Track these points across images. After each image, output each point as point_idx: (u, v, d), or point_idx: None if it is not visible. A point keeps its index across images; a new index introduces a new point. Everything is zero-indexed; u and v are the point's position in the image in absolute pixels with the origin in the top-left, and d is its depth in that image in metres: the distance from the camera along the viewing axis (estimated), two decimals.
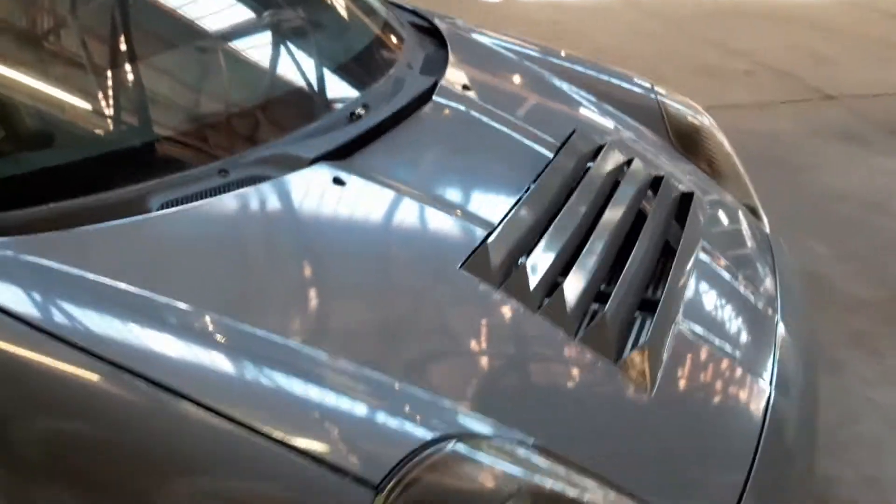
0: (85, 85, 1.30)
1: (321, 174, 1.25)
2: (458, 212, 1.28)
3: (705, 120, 1.90)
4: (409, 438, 0.84)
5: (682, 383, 1.17)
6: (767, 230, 1.77)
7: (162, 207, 1.10)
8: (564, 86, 1.90)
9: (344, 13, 1.99)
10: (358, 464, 0.80)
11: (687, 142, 1.85)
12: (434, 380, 1.00)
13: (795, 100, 4.41)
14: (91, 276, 0.95)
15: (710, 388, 1.22)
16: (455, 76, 1.70)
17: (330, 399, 0.89)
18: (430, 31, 2.00)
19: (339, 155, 1.31)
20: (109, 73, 1.33)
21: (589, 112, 1.84)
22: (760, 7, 6.54)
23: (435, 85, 1.61)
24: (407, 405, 0.91)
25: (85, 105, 1.30)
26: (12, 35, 1.31)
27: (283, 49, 1.74)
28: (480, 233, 1.22)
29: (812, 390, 1.41)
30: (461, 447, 0.84)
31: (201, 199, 1.13)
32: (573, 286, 1.16)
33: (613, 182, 1.48)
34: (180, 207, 1.11)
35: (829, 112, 4.24)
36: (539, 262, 1.19)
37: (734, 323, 1.38)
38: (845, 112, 4.22)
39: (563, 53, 2.08)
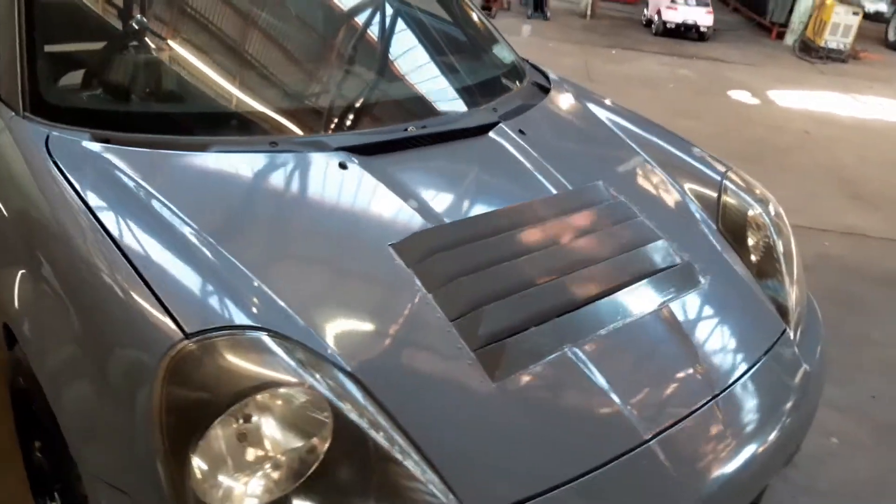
0: (208, 61, 1.81)
1: (334, 158, 1.59)
2: (416, 206, 1.51)
3: (765, 217, 1.86)
4: (236, 317, 1.13)
5: (532, 390, 1.26)
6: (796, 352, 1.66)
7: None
8: (630, 152, 2.01)
9: (478, 51, 2.34)
10: (188, 315, 1.10)
11: (737, 231, 1.83)
12: (298, 298, 1.24)
13: None
14: (144, 182, 1.38)
15: (558, 401, 1.29)
16: (520, 122, 1.93)
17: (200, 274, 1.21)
18: (545, 89, 2.25)
19: (366, 151, 1.63)
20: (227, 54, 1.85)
21: (633, 175, 1.92)
22: None
23: (494, 124, 1.86)
24: (257, 298, 1.19)
25: (200, 75, 1.81)
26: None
27: (401, 57, 2.14)
28: (422, 225, 1.46)
29: None
30: (263, 338, 1.10)
31: (242, 153, 1.54)
32: (475, 287, 1.34)
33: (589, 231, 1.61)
34: (221, 153, 1.53)
35: None
36: (453, 263, 1.39)
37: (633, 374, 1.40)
38: None
39: (656, 127, 2.19)
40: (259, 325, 1.13)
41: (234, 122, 1.67)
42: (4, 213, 1.44)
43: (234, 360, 1.08)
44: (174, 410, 1.02)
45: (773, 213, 1.90)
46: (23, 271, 1.34)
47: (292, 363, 1.10)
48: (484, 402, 1.21)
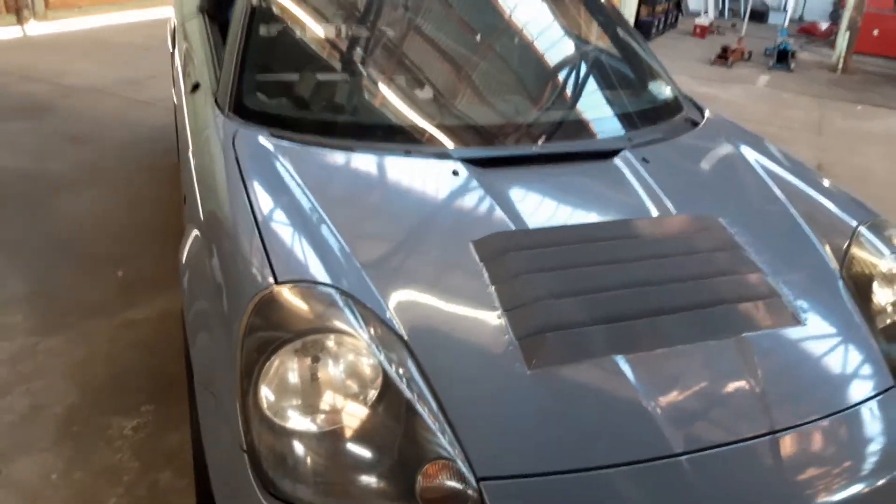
0: (365, 85, 2.15)
1: (449, 165, 1.81)
2: (509, 212, 1.67)
3: None
4: (318, 274, 1.38)
5: (564, 384, 1.34)
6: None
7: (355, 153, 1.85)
8: (764, 191, 1.96)
9: (630, 84, 2.43)
10: (282, 268, 1.38)
11: (863, 282, 1.72)
12: (376, 269, 1.47)
13: None
14: (290, 166, 1.73)
15: (587, 399, 1.34)
16: (647, 152, 2.00)
17: (306, 240, 1.49)
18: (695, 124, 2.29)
19: (483, 164, 1.84)
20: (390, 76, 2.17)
21: (756, 212, 1.90)
22: None
23: (618, 151, 1.96)
24: (344, 264, 1.44)
25: (358, 94, 2.15)
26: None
27: (546, 82, 2.31)
28: (505, 227, 1.61)
29: None
30: (333, 293, 1.34)
31: (375, 155, 1.84)
32: (537, 285, 1.46)
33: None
34: (357, 153, 1.83)
35: None
36: (523, 262, 1.52)
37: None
38: None
39: (807, 171, 2.10)
40: (332, 283, 1.37)
41: (378, 132, 1.97)
42: (196, 182, 1.87)
43: (303, 305, 1.33)
44: (251, 337, 1.29)
45: None
46: (195, 230, 1.73)
47: (351, 317, 1.32)
48: (514, 385, 1.33)
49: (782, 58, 8.52)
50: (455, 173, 1.80)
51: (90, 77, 5.97)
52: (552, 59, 2.47)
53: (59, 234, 3.36)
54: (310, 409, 1.25)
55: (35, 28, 7.58)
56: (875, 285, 1.71)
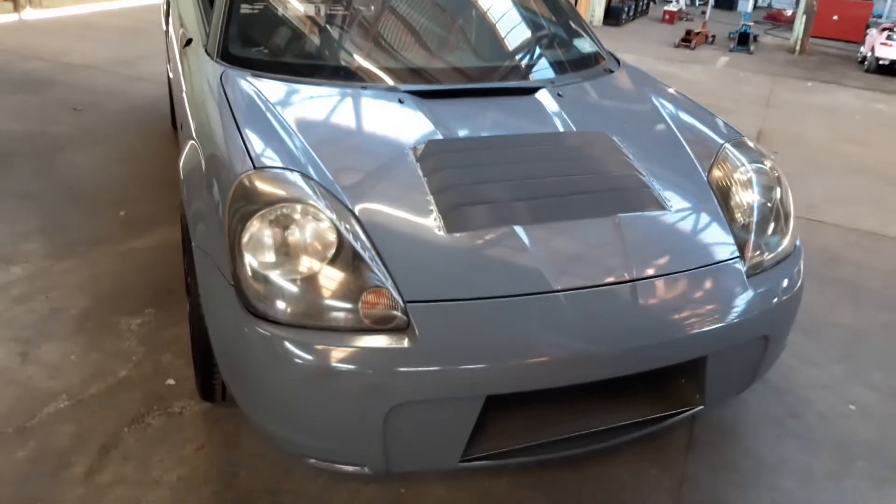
0: (332, 32, 2.59)
1: (397, 95, 2.25)
2: (443, 128, 2.13)
3: (752, 175, 2.16)
4: (287, 163, 1.82)
5: (473, 243, 1.78)
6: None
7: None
8: (654, 116, 2.42)
9: (557, 40, 2.89)
10: (259, 158, 1.81)
11: (723, 183, 2.16)
12: (334, 163, 1.89)
13: None
14: (266, 95, 2.16)
15: (490, 252, 1.78)
16: (562, 89, 2.45)
17: (278, 142, 1.93)
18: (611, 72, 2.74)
19: (425, 96, 2.27)
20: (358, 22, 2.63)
21: (643, 131, 2.36)
22: None
23: (538, 88, 2.41)
24: (307, 159, 1.87)
25: (325, 40, 2.59)
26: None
27: (484, 33, 2.78)
28: (438, 137, 2.06)
29: None
30: (298, 176, 1.77)
31: (339, 89, 2.27)
32: (459, 175, 1.91)
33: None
34: (322, 87, 2.27)
35: None
36: (449, 160, 1.96)
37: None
38: None
39: (699, 109, 2.56)
40: (298, 169, 1.81)
41: (340, 72, 2.41)
42: (189, 111, 2.30)
43: (273, 183, 1.76)
44: (234, 209, 1.71)
45: (764, 174, 2.19)
46: (189, 142, 2.16)
47: (312, 193, 1.75)
48: (436, 243, 1.76)
49: (743, 40, 9.00)
50: (401, 101, 2.24)
51: (85, 56, 6.36)
52: (493, 16, 2.92)
53: (65, 183, 3.77)
54: (281, 259, 1.67)
55: (31, 14, 7.95)
56: (733, 188, 2.15)
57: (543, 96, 2.40)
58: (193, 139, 2.13)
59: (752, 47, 8.99)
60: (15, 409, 2.17)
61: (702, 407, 1.97)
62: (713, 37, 9.43)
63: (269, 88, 2.23)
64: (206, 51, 2.50)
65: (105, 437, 2.09)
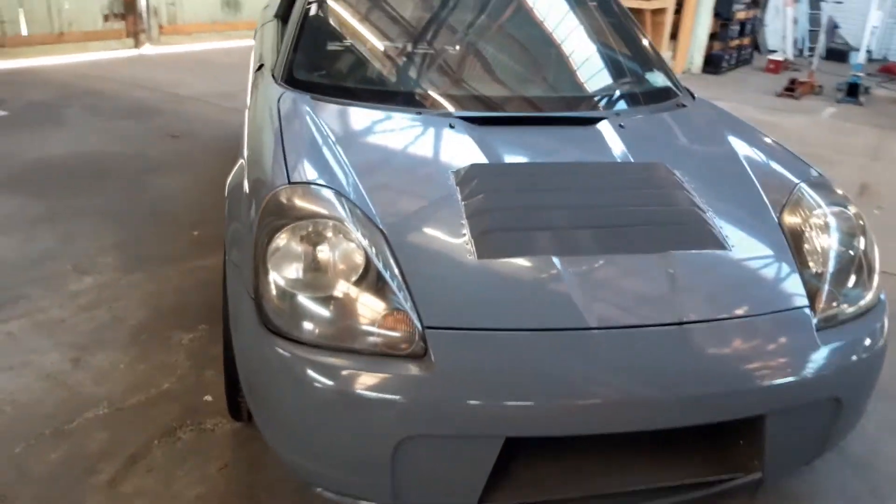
0: (391, 60, 2.59)
1: (449, 121, 2.20)
2: (490, 154, 2.05)
3: (829, 219, 1.95)
4: (322, 179, 1.79)
5: (505, 271, 1.67)
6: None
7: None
8: (725, 153, 2.25)
9: (626, 71, 2.78)
10: (295, 174, 1.80)
11: (795, 225, 1.97)
12: (372, 183, 1.85)
13: None
14: (317, 117, 2.17)
15: (522, 283, 1.67)
16: (626, 120, 2.33)
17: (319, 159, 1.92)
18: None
19: (478, 122, 2.22)
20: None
21: (709, 167, 2.21)
22: None
23: (601, 118, 2.31)
24: (346, 177, 1.85)
25: (384, 68, 2.60)
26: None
27: (553, 64, 2.71)
28: (483, 162, 1.99)
29: None
30: (330, 192, 1.74)
31: (391, 113, 2.26)
32: (498, 200, 1.82)
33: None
34: (373, 110, 2.26)
35: None
36: (490, 185, 1.88)
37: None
38: None
39: (776, 142, 2.37)
40: (332, 187, 1.78)
41: (398, 98, 2.40)
42: (246, 130, 2.34)
43: (304, 199, 1.73)
44: (264, 222, 1.69)
45: (846, 219, 1.98)
46: (239, 161, 2.19)
47: (342, 210, 1.71)
48: (464, 267, 1.68)
49: (852, 91, 8.49)
50: (452, 126, 2.19)
51: (192, 89, 6.75)
52: (560, 46, 2.86)
53: (150, 203, 3.95)
54: (305, 277, 1.63)
55: (149, 49, 8.56)
56: (807, 231, 1.96)
57: (604, 127, 2.29)
58: (243, 158, 2.16)
59: (861, 99, 8.47)
60: (57, 412, 2.22)
61: (759, 475, 1.76)
62: (820, 87, 8.95)
63: (324, 110, 2.24)
64: (272, 75, 2.56)
65: (135, 447, 2.10)
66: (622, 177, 2.05)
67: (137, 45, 8.55)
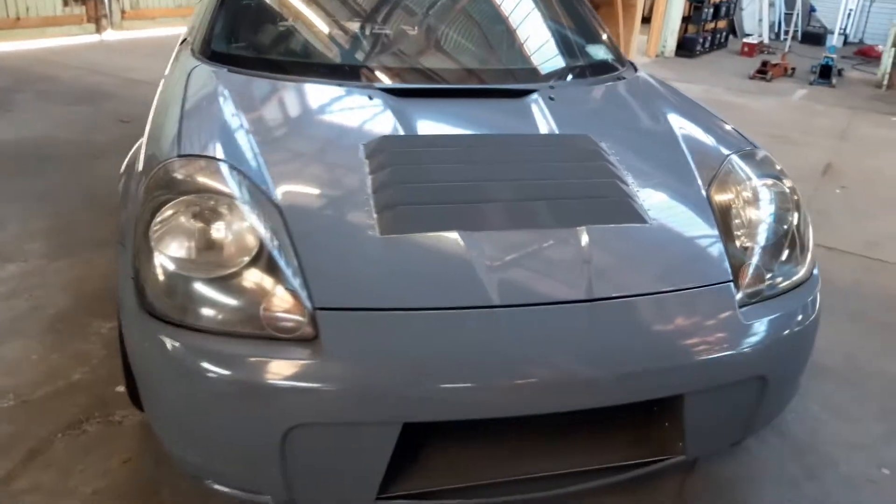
0: (306, 29, 2.49)
1: (370, 93, 2.08)
2: (405, 124, 1.95)
3: (758, 190, 1.87)
4: (215, 152, 1.68)
5: (408, 247, 1.57)
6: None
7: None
8: (659, 125, 2.15)
9: (566, 45, 2.67)
10: (187, 147, 1.68)
11: (723, 198, 1.87)
12: (274, 156, 1.75)
13: None
14: (224, 87, 2.05)
15: (426, 259, 1.57)
16: (557, 93, 2.22)
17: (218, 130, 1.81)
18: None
19: (401, 94, 2.10)
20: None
21: (640, 139, 2.11)
22: None
23: (531, 91, 2.20)
24: (246, 149, 1.73)
25: (297, 37, 2.49)
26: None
27: (484, 34, 2.58)
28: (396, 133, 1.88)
29: None
30: (222, 165, 1.62)
31: (307, 85, 2.13)
32: (407, 174, 1.72)
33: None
34: (291, 83, 2.13)
35: None
36: (400, 158, 1.78)
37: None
38: None
39: (714, 113, 2.27)
40: (224, 159, 1.66)
41: (317, 70, 2.28)
42: (153, 107, 2.21)
43: (194, 172, 1.62)
44: (149, 196, 1.58)
45: (779, 193, 1.89)
46: (138, 144, 2.06)
47: (234, 184, 1.60)
48: (365, 245, 1.57)
49: (825, 73, 8.44)
50: (370, 98, 2.07)
51: (149, 73, 6.53)
52: (493, 17, 2.74)
53: (87, 188, 3.80)
54: (188, 256, 1.51)
55: (111, 35, 8.35)
56: (736, 203, 1.86)
57: (533, 99, 2.18)
58: (143, 137, 2.03)
59: (834, 81, 8.42)
60: None
61: (682, 457, 1.68)
62: (793, 69, 8.89)
63: (237, 83, 2.11)
64: (191, 49, 2.43)
65: (36, 441, 1.98)
66: (542, 149, 1.94)
67: (99, 30, 8.33)
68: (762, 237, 1.79)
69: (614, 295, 1.58)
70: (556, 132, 2.02)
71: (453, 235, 1.59)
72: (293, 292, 1.46)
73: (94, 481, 1.85)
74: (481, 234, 1.61)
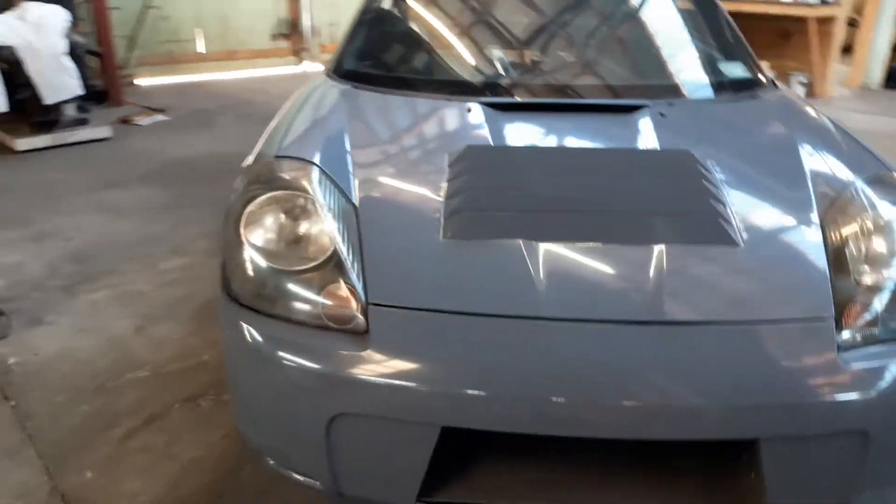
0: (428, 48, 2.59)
1: (470, 106, 2.13)
2: (496, 136, 1.96)
3: (882, 222, 1.64)
4: (309, 156, 1.80)
5: (468, 253, 1.58)
6: None
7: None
8: (776, 145, 1.97)
9: (696, 61, 2.54)
10: (286, 150, 1.85)
11: (839, 227, 1.67)
12: (363, 158, 1.86)
13: None
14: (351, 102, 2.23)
15: (483, 266, 1.56)
16: (670, 109, 2.12)
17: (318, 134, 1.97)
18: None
19: (502, 108, 2.13)
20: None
21: (753, 157, 1.95)
22: None
23: (641, 106, 2.13)
24: (338, 154, 1.85)
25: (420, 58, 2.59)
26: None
27: (604, 49, 2.53)
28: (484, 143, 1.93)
29: None
30: (311, 167, 1.75)
31: (416, 99, 2.24)
32: (484, 182, 1.74)
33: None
34: (401, 98, 2.25)
35: None
36: (481, 166, 1.80)
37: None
38: None
39: (846, 137, 2.04)
40: (317, 163, 1.79)
41: (432, 86, 2.35)
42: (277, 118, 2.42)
43: (284, 171, 1.76)
44: (244, 189, 1.75)
45: None
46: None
47: (321, 187, 1.71)
48: (426, 247, 1.59)
49: None
50: (468, 110, 2.12)
51: None
52: (614, 32, 2.68)
53: None
54: (267, 247, 1.64)
55: (309, 66, 9.23)
56: (854, 232, 1.65)
57: (642, 115, 2.10)
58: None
59: None
60: (106, 371, 2.43)
61: None
62: None
63: (353, 97, 2.27)
64: (326, 69, 2.64)
65: (158, 408, 2.23)
66: (631, 162, 1.86)
67: (299, 62, 9.25)
68: (883, 274, 1.58)
69: (687, 319, 1.47)
70: (657, 148, 1.92)
71: (516, 244, 1.58)
72: (352, 287, 1.53)
73: (194, 450, 2.05)
74: (546, 245, 1.58)
